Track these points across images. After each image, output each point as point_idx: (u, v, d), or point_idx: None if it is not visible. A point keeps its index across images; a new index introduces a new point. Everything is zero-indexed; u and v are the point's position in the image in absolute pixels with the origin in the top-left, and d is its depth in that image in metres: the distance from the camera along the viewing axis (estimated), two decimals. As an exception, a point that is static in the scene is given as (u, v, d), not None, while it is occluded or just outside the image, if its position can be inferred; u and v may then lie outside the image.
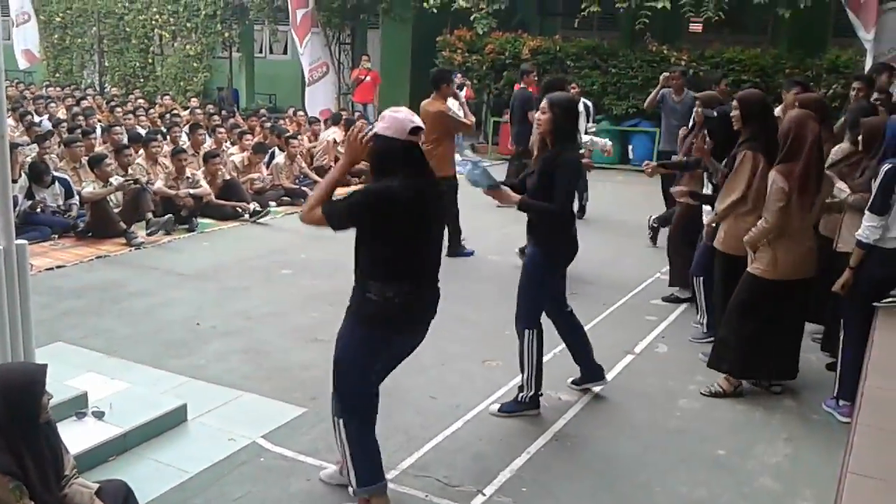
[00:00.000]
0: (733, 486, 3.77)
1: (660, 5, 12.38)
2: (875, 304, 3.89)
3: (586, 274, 6.98)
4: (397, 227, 3.17)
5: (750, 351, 4.61)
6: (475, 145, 15.11)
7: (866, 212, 4.19)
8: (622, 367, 5.17)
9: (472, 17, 14.25)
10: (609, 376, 4.99)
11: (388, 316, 3.25)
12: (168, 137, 10.24)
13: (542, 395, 4.46)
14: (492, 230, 8.58)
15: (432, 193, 3.28)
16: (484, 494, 3.63)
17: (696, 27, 13.71)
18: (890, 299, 2.90)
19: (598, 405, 4.63)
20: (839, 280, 4.36)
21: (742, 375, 4.74)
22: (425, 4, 14.42)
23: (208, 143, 10.50)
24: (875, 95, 6.58)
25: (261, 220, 9.16)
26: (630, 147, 13.68)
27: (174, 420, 4.20)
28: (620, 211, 9.92)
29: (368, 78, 15.45)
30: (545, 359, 5.17)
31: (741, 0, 12.31)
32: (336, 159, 11.64)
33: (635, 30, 13.13)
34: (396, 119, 3.20)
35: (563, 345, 5.16)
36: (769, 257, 4.44)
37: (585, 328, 5.43)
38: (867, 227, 4.18)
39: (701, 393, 4.75)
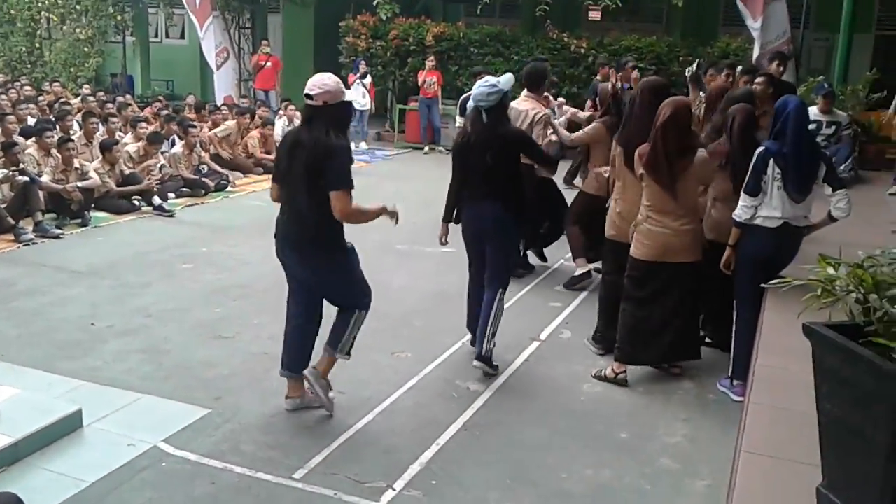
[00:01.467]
0: (636, 468, 3.89)
1: (559, -7, 12.58)
2: (763, 285, 4.04)
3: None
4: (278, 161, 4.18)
5: (630, 335, 4.75)
6: (381, 133, 15.02)
7: (742, 192, 4.41)
8: (528, 354, 5.24)
9: (375, 3, 14.12)
10: (516, 363, 5.08)
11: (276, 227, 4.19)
12: (58, 127, 9.72)
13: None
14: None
15: (307, 145, 3.88)
16: (394, 489, 3.62)
17: (594, 15, 14.01)
18: (776, 280, 3.03)
19: (505, 393, 4.68)
20: (722, 259, 4.58)
21: (628, 361, 4.81)
22: (327, -12, 14.21)
23: (101, 132, 10.03)
24: (758, 80, 6.92)
25: (163, 214, 8.85)
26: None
27: (68, 426, 4.00)
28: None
29: (269, 64, 15.11)
30: (455, 348, 5.26)
31: (637, -11, 12.65)
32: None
33: (536, 17, 13.30)
34: None
35: (470, 335, 5.23)
36: (635, 237, 4.68)
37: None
38: (741, 207, 4.40)
39: (592, 375, 4.87)
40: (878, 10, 13.72)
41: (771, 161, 4.30)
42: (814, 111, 8.48)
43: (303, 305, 4.26)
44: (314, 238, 4.00)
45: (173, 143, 10.47)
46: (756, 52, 11.21)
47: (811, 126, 8.04)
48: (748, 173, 4.35)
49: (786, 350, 3.73)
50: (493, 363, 4.88)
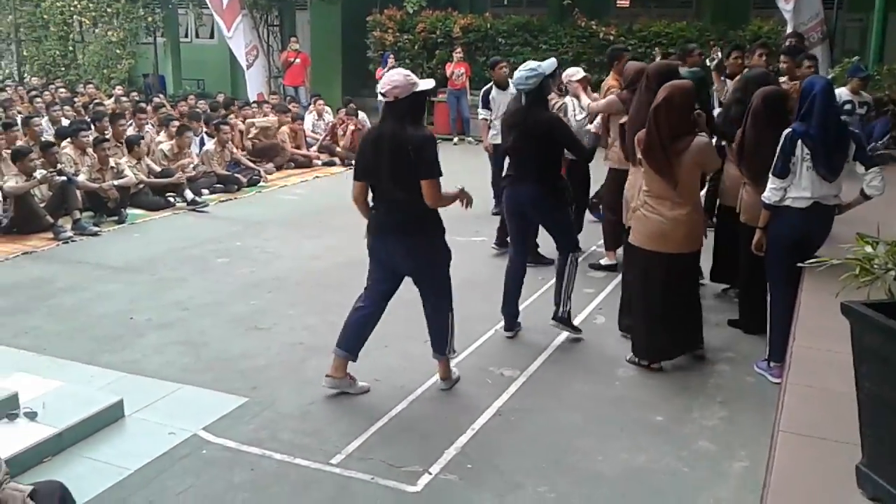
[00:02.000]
0: (672, 451, 3.87)
1: (587, -20, 12.51)
2: (800, 265, 3.98)
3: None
4: (363, 158, 4.20)
5: (644, 332, 4.74)
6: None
7: (770, 175, 4.36)
8: (562, 340, 5.23)
9: (401, -4, 14.16)
10: (550, 349, 5.10)
11: (369, 223, 4.29)
12: (94, 127, 9.88)
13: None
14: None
15: (386, 139, 4.02)
16: (430, 473, 3.65)
17: (623, 2, 13.89)
18: (814, 260, 2.97)
19: (539, 378, 4.68)
20: (753, 242, 4.55)
21: (644, 357, 4.76)
22: (353, -16, 14.27)
23: (133, 128, 10.20)
24: (807, 63, 6.88)
25: (197, 209, 8.98)
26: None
27: (111, 417, 4.10)
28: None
29: (298, 60, 15.22)
30: (488, 335, 5.28)
31: (666, -27, 12.51)
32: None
33: (564, 5, 13.21)
34: None
35: (504, 320, 5.26)
36: (632, 223, 4.72)
37: (526, 303, 5.58)
38: (770, 189, 4.36)
39: (626, 360, 4.85)
40: (914, -13, 13.43)
41: (799, 142, 4.25)
42: (845, 92, 8.33)
43: (380, 295, 4.40)
44: (419, 224, 4.15)
45: (203, 142, 10.58)
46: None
47: (846, 106, 7.90)
48: (776, 155, 4.30)
49: (824, 331, 3.69)
50: (575, 326, 5.25)
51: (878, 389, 2.37)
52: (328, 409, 4.27)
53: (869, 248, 2.46)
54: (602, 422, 4.17)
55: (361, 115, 12.67)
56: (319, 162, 11.87)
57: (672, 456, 3.83)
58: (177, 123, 10.29)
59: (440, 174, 4.06)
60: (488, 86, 8.29)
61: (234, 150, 10.56)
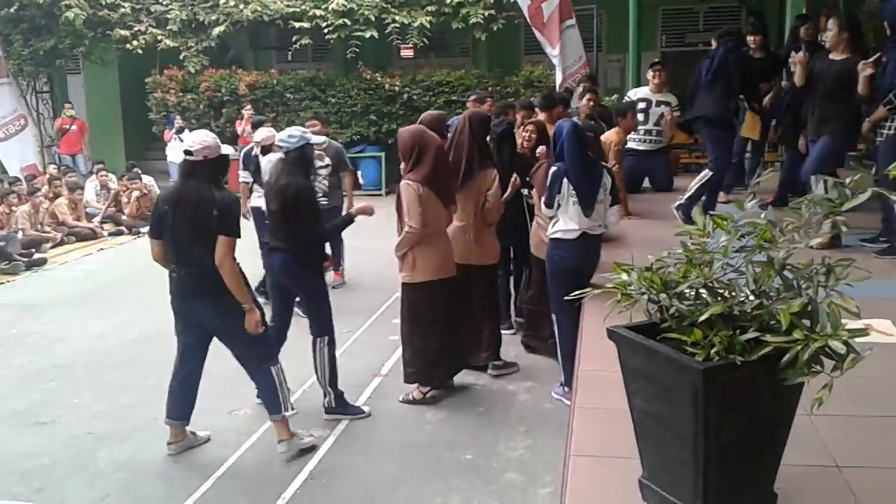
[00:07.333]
0: (483, 487, 3.97)
1: (367, 35, 12.85)
2: (566, 298, 4.19)
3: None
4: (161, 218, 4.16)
5: (428, 357, 4.96)
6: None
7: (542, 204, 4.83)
8: (371, 391, 5.24)
9: (181, 57, 13.78)
10: (359, 402, 5.06)
11: (171, 286, 4.25)
12: None
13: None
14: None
15: (191, 200, 4.01)
16: (240, 553, 3.50)
17: (407, 52, 14.37)
18: (579, 291, 3.13)
19: (350, 434, 4.64)
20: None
21: (430, 382, 5.05)
22: (128, 46, 13.71)
23: None
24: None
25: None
26: (360, 173, 13.96)
27: None
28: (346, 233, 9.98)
29: (74, 127, 14.32)
30: (295, 396, 5.16)
31: (442, 26, 13.10)
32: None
33: (348, 59, 13.46)
34: None
35: (314, 379, 5.19)
36: (409, 263, 4.83)
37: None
38: (546, 214, 4.84)
39: (399, 400, 5.02)
40: (661, 29, 15.00)
41: (564, 179, 4.63)
42: (644, 91, 8.48)
43: (198, 357, 4.41)
44: (216, 284, 4.07)
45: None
46: (559, 78, 11.87)
47: (640, 105, 8.32)
48: (546, 188, 4.72)
49: (605, 353, 3.88)
50: (355, 407, 4.96)
51: (647, 406, 2.56)
52: (121, 499, 3.98)
53: (625, 276, 2.67)
54: (415, 469, 4.20)
55: (147, 178, 12.18)
56: (105, 233, 11.21)
57: (483, 492, 3.92)
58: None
59: (238, 236, 4.09)
60: (249, 147, 8.04)
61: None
